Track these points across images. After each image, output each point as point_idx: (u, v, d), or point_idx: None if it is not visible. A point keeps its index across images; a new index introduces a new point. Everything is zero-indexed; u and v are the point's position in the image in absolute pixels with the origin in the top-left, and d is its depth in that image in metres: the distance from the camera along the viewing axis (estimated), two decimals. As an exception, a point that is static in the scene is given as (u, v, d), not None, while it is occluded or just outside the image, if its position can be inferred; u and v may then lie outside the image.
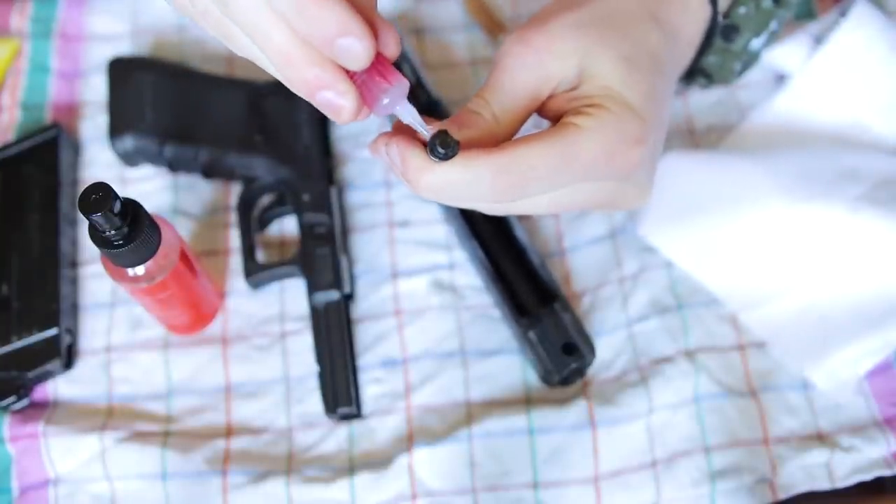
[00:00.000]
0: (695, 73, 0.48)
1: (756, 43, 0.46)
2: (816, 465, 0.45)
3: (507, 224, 0.51)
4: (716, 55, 0.45)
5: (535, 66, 0.37)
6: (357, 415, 0.47)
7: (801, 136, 0.51)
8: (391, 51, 0.32)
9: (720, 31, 0.44)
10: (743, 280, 0.49)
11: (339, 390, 0.47)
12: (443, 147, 0.34)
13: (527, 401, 0.47)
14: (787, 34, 0.52)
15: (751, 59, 0.46)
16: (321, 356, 0.48)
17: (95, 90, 0.58)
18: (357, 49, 0.29)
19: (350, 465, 0.46)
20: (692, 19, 0.42)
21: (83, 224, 0.53)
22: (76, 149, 0.56)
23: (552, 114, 0.38)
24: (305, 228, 0.51)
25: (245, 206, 0.52)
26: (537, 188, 0.35)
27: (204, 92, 0.54)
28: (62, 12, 0.60)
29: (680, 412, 0.46)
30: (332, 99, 0.30)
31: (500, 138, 0.37)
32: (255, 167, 0.52)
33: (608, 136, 0.35)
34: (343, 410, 0.47)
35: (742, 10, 0.44)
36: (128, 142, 0.52)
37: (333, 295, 0.49)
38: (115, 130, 0.52)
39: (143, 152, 0.52)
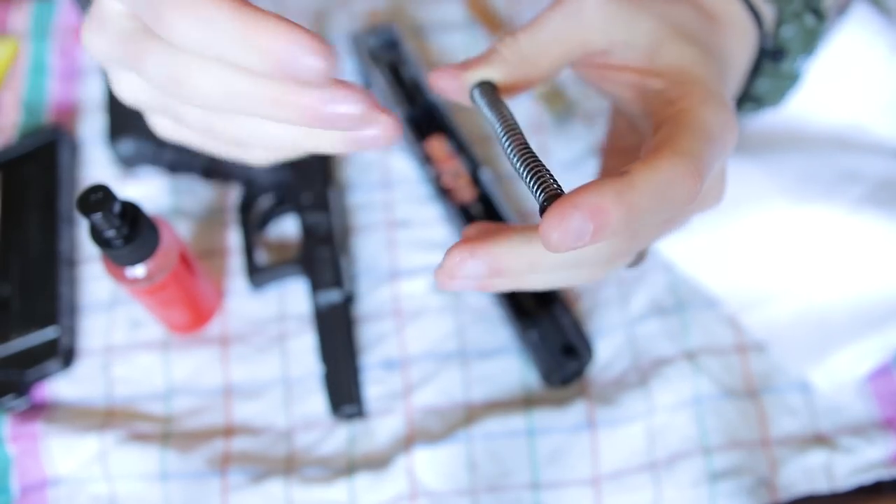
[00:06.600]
0: (744, 100, 0.47)
1: (802, 63, 0.45)
2: (816, 466, 0.45)
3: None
4: (767, 79, 0.44)
5: (596, 12, 0.34)
6: (360, 413, 0.47)
7: (801, 137, 0.50)
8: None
9: (769, 54, 0.42)
10: (743, 281, 0.49)
11: (344, 389, 0.47)
12: (483, 94, 0.34)
13: (526, 401, 0.47)
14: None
15: (797, 80, 0.46)
16: (325, 355, 0.48)
17: (95, 90, 0.58)
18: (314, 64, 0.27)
19: (349, 466, 0.46)
20: (739, 40, 0.40)
21: (82, 224, 0.53)
22: (75, 149, 0.56)
23: (613, 86, 0.37)
24: (306, 229, 0.51)
25: (245, 206, 0.52)
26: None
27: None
28: (61, 12, 0.60)
29: (680, 413, 0.46)
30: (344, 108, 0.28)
31: (525, 78, 0.35)
32: (255, 168, 0.52)
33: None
34: (348, 409, 0.47)
35: (787, 29, 0.42)
36: (127, 145, 0.52)
37: (336, 294, 0.49)
38: (115, 133, 0.52)
39: (143, 155, 0.52)
